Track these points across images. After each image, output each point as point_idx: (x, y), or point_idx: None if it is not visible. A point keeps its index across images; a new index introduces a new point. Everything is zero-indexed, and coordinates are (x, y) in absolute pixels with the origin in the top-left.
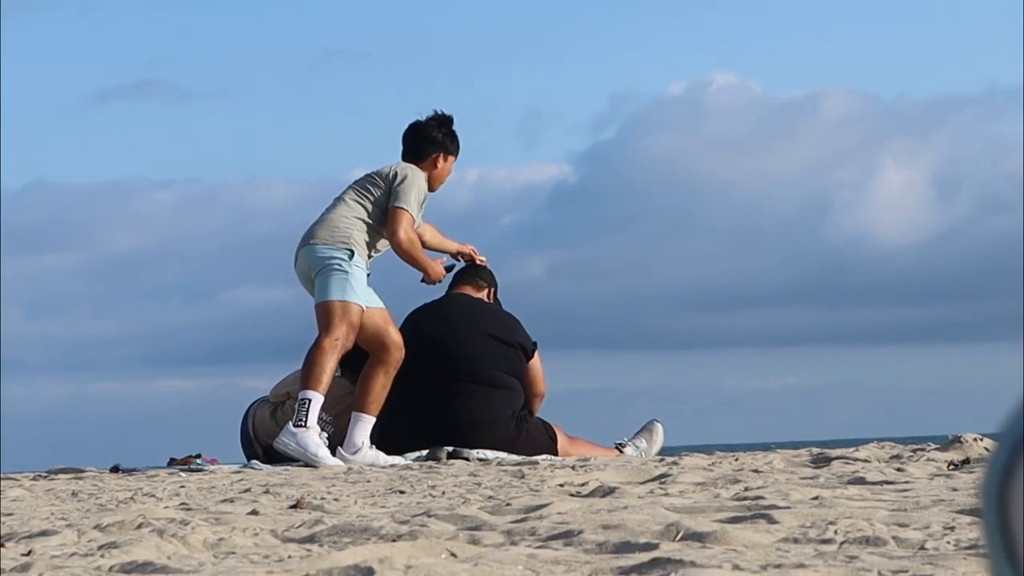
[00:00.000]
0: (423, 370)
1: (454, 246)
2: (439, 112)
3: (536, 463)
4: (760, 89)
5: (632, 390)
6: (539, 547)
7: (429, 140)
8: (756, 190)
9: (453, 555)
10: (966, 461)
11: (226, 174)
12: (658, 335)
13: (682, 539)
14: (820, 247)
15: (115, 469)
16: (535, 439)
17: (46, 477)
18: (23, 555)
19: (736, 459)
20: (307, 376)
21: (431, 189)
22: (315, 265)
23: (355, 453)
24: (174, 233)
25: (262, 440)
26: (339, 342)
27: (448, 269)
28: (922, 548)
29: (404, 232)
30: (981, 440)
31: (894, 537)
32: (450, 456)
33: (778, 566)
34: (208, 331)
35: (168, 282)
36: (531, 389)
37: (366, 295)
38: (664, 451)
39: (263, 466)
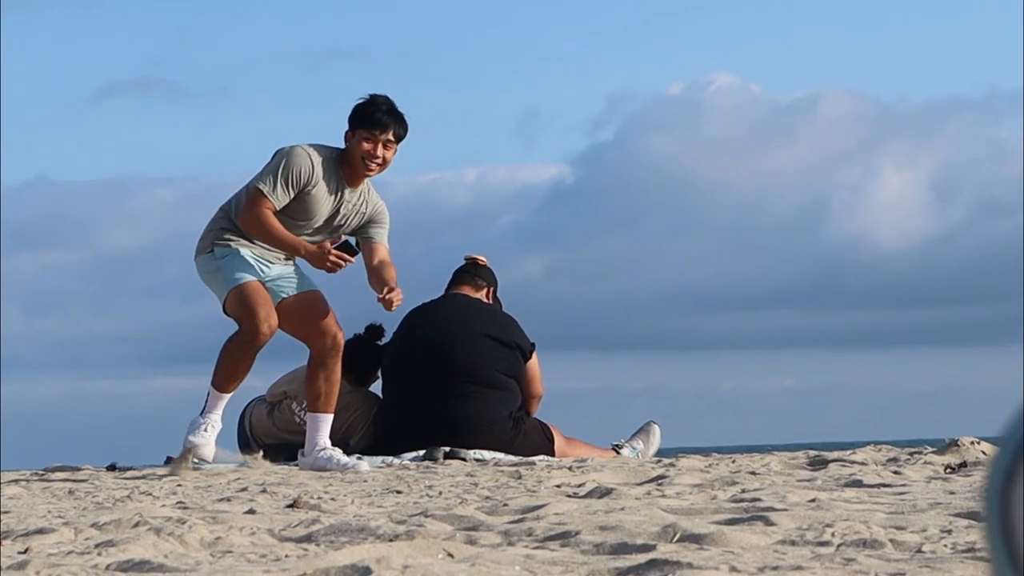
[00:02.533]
0: (420, 370)
1: (290, 240)
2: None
3: (533, 464)
4: (759, 90)
5: (629, 391)
6: (536, 548)
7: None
8: (755, 191)
9: (450, 555)
10: (963, 464)
11: (226, 172)
12: (655, 336)
13: (679, 541)
14: (819, 249)
15: (112, 467)
16: (532, 440)
17: (43, 475)
18: (20, 553)
19: (733, 461)
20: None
21: (352, 173)
22: (201, 279)
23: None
24: (173, 231)
25: (259, 439)
26: (247, 332)
27: (343, 248)
28: (919, 551)
29: (248, 209)
30: (978, 443)
31: (891, 540)
32: (447, 456)
33: (775, 568)
34: (206, 330)
35: (167, 280)
36: (529, 390)
37: (243, 271)
38: (661, 452)
39: (260, 464)
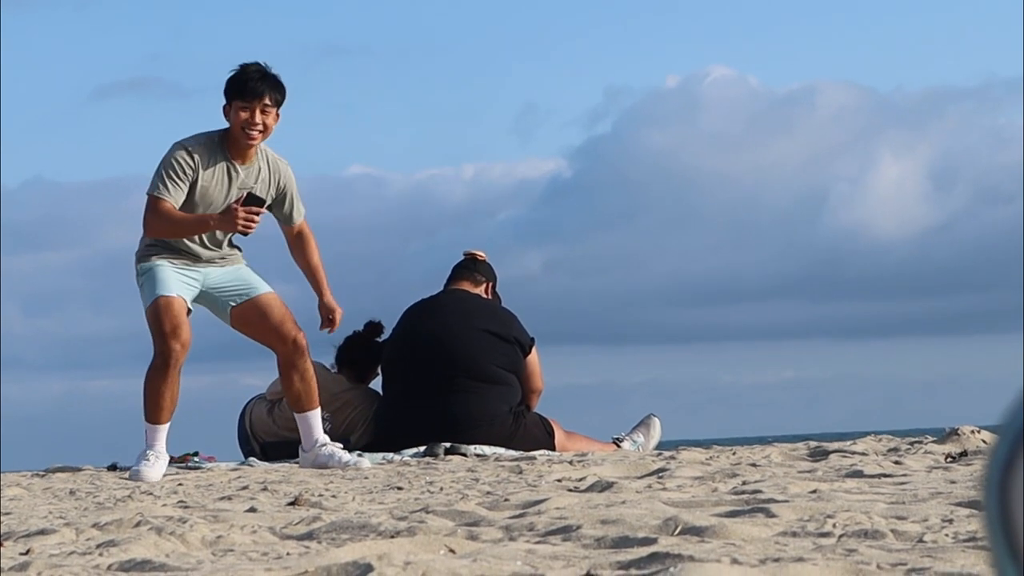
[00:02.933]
0: (420, 366)
1: (194, 225)
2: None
3: (534, 458)
4: (756, 82)
5: (629, 384)
6: (537, 542)
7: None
8: (753, 183)
9: (451, 551)
10: (964, 454)
11: None
12: (655, 329)
13: (680, 533)
14: (817, 240)
15: (113, 467)
16: (533, 434)
17: (44, 475)
18: (22, 554)
19: (734, 453)
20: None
21: (239, 146)
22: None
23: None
24: None
25: (259, 437)
26: (157, 355)
27: (249, 202)
28: (920, 541)
29: (149, 217)
30: (978, 432)
31: (892, 530)
32: (448, 452)
33: (777, 560)
34: (206, 328)
35: None
36: (528, 385)
37: (160, 288)
38: (662, 445)
39: (261, 463)
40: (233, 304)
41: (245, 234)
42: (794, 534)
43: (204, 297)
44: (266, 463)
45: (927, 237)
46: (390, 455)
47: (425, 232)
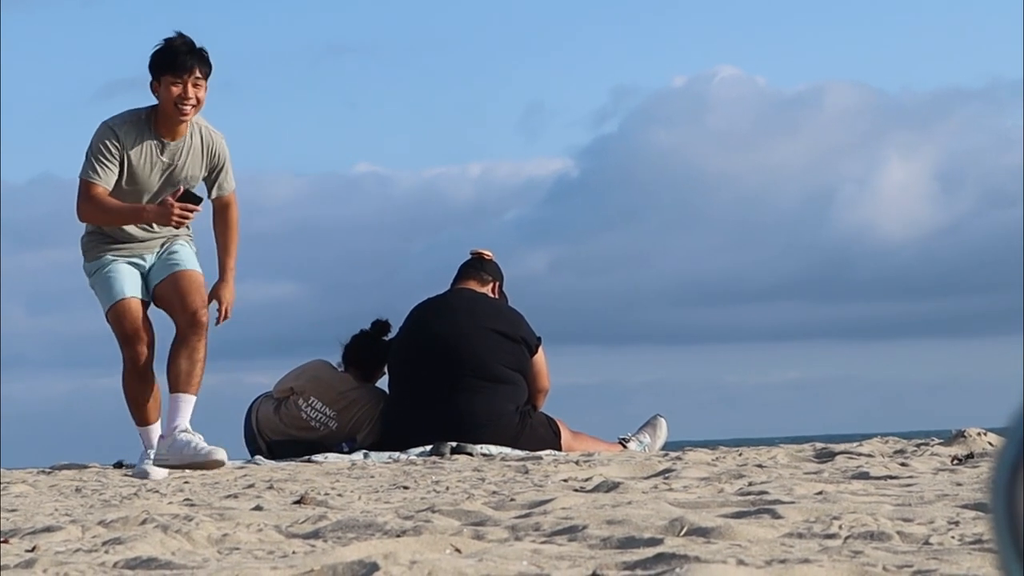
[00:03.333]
0: (426, 365)
1: (127, 212)
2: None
3: (540, 458)
4: (764, 82)
5: (635, 385)
6: (543, 542)
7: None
8: (759, 184)
9: (457, 550)
10: (970, 456)
11: None
12: (661, 329)
13: (686, 534)
14: (823, 241)
15: (119, 465)
16: (539, 434)
17: (50, 473)
18: (27, 551)
19: (740, 454)
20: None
21: (171, 120)
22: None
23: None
24: None
25: (266, 436)
26: (126, 362)
27: (186, 198)
28: (927, 543)
29: (82, 203)
30: (985, 435)
31: (898, 532)
32: (454, 451)
33: (783, 561)
34: (211, 326)
35: None
36: (535, 385)
37: (118, 288)
38: (668, 446)
39: (267, 462)
40: (156, 279)
41: (177, 227)
42: (800, 535)
43: (143, 278)
44: (272, 461)
45: (934, 238)
46: (396, 454)
47: (431, 230)
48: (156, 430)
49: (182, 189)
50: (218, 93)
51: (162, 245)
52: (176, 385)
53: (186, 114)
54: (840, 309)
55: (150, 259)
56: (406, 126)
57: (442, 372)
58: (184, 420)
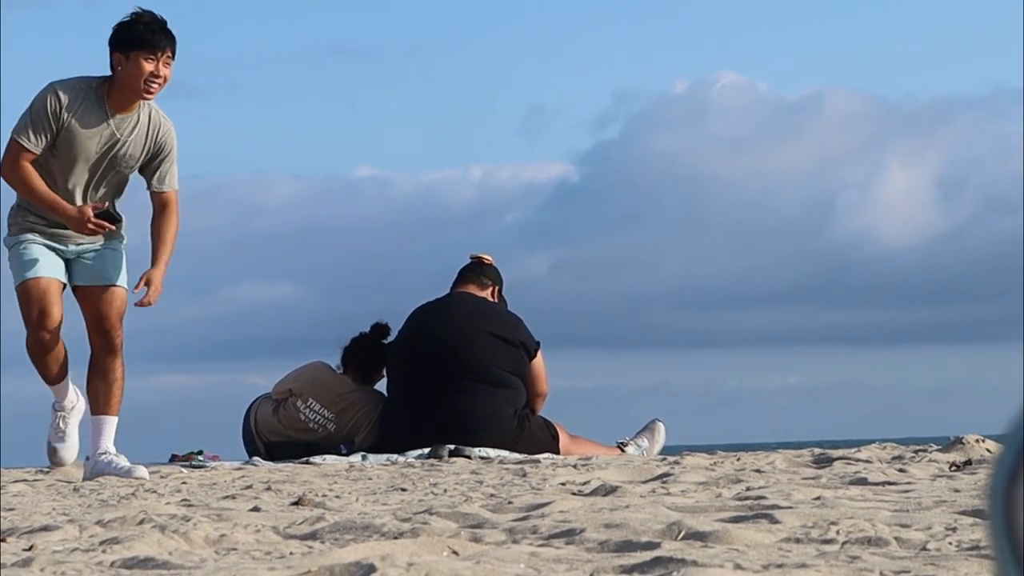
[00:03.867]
0: (425, 368)
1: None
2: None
3: (538, 462)
4: (765, 88)
5: (634, 389)
6: (541, 545)
7: (109, 46)
8: (760, 189)
9: (455, 553)
10: (968, 462)
11: (231, 170)
12: (660, 334)
13: (684, 538)
14: (824, 247)
15: None
16: (537, 438)
17: (48, 472)
18: (24, 550)
19: (738, 459)
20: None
21: (131, 97)
22: None
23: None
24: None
25: (264, 437)
26: (29, 339)
27: (104, 216)
28: (924, 549)
29: (5, 162)
30: (983, 441)
31: (896, 538)
32: (452, 454)
33: (780, 566)
34: (211, 327)
35: (171, 278)
36: (534, 388)
37: (30, 267)
38: (666, 450)
39: (265, 463)
40: (80, 283)
41: (88, 234)
42: (797, 540)
43: (66, 264)
44: (270, 462)
45: (934, 245)
46: (394, 456)
47: (432, 233)
48: (65, 387)
49: (104, 205)
50: (221, 95)
51: (92, 243)
52: (96, 407)
53: (152, 92)
54: (840, 315)
55: (75, 248)
56: (407, 129)
57: (441, 375)
58: (107, 442)
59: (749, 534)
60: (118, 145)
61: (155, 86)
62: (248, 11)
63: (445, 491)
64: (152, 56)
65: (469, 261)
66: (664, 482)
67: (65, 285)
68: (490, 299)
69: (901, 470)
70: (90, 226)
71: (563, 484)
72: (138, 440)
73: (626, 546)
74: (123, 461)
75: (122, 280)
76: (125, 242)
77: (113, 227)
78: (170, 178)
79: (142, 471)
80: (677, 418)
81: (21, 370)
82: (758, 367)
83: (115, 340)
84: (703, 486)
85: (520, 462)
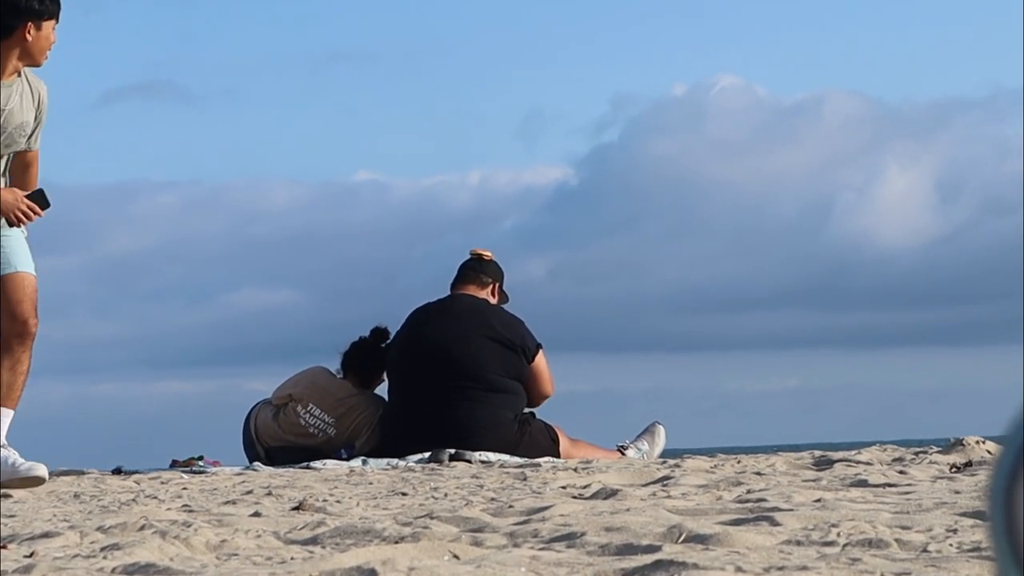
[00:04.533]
0: (425, 372)
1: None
2: None
3: (538, 465)
4: (764, 91)
5: (634, 392)
6: (542, 549)
7: (11, 11)
8: (759, 192)
9: (456, 557)
10: (968, 464)
11: (230, 175)
12: (660, 337)
13: (685, 541)
14: (823, 249)
15: (117, 471)
16: (537, 441)
17: (48, 479)
18: (26, 557)
19: (738, 461)
20: None
21: (34, 64)
22: None
23: None
24: (177, 235)
25: (264, 442)
26: None
27: (35, 197)
28: (925, 550)
29: None
30: (983, 443)
31: (897, 539)
32: (452, 458)
33: (781, 568)
34: (210, 333)
35: (170, 284)
36: (536, 389)
37: None
38: (666, 453)
39: (265, 468)
40: None
41: (11, 223)
42: (798, 543)
43: None
44: (271, 468)
45: (933, 247)
46: (395, 461)
47: (431, 238)
48: None
49: (37, 186)
50: (219, 100)
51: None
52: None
53: (45, 59)
54: (839, 317)
55: None
56: (406, 134)
57: (441, 380)
58: (1, 435)
59: (750, 537)
60: (11, 114)
61: (48, 54)
62: (246, 17)
63: (446, 495)
64: (55, 24)
65: (469, 257)
66: (665, 485)
67: None
68: (490, 298)
69: (902, 472)
70: (22, 206)
71: (564, 488)
72: (139, 445)
73: (627, 549)
74: (19, 458)
75: (31, 267)
76: (26, 230)
77: (42, 214)
78: (36, 139)
79: (41, 469)
80: (677, 421)
81: None
82: (758, 370)
83: (31, 328)
84: (704, 489)
85: (520, 466)
